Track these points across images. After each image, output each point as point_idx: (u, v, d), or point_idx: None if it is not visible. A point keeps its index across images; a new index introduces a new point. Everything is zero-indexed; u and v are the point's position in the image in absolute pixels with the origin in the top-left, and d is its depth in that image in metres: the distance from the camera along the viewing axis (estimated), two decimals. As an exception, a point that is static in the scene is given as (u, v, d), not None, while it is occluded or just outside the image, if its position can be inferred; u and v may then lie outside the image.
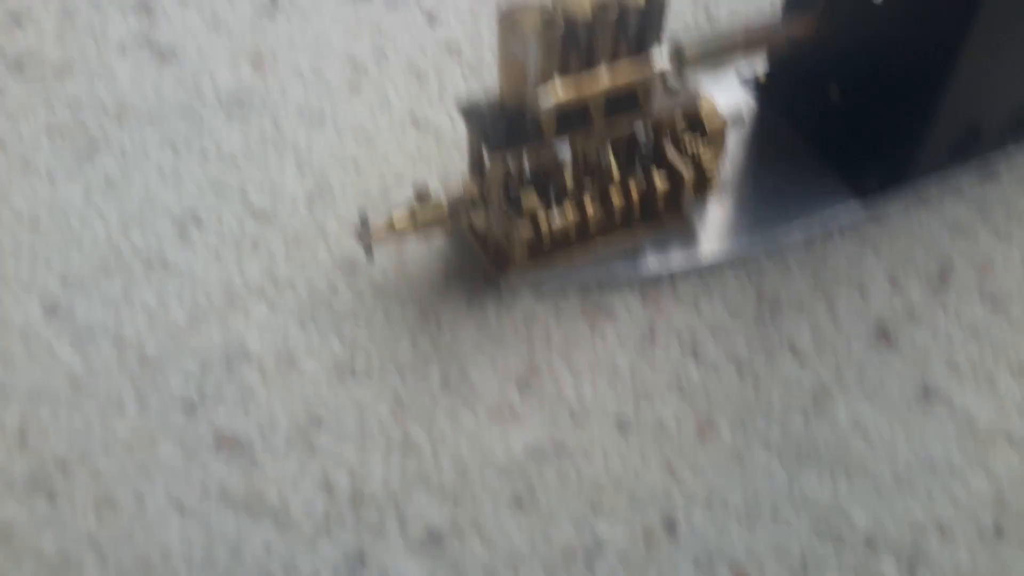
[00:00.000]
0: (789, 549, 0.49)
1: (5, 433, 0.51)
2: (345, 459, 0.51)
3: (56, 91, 0.67)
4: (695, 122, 0.59)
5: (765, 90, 0.68)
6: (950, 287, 0.60)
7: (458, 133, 0.65)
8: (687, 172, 0.58)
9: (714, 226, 0.61)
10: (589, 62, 0.52)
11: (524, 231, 0.55)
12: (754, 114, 0.68)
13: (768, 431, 0.53)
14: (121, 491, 0.50)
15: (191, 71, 0.69)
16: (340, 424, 0.52)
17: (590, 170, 0.57)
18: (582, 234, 0.58)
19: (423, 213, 0.56)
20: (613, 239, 0.59)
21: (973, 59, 0.56)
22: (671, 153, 0.58)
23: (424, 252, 0.59)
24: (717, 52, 0.56)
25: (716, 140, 0.59)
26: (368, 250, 0.55)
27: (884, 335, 0.57)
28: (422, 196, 0.55)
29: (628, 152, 0.58)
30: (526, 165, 0.56)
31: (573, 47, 0.51)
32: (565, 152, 0.56)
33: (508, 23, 0.51)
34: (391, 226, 0.55)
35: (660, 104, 0.56)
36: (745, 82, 0.69)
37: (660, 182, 0.58)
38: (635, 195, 0.58)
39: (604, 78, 0.53)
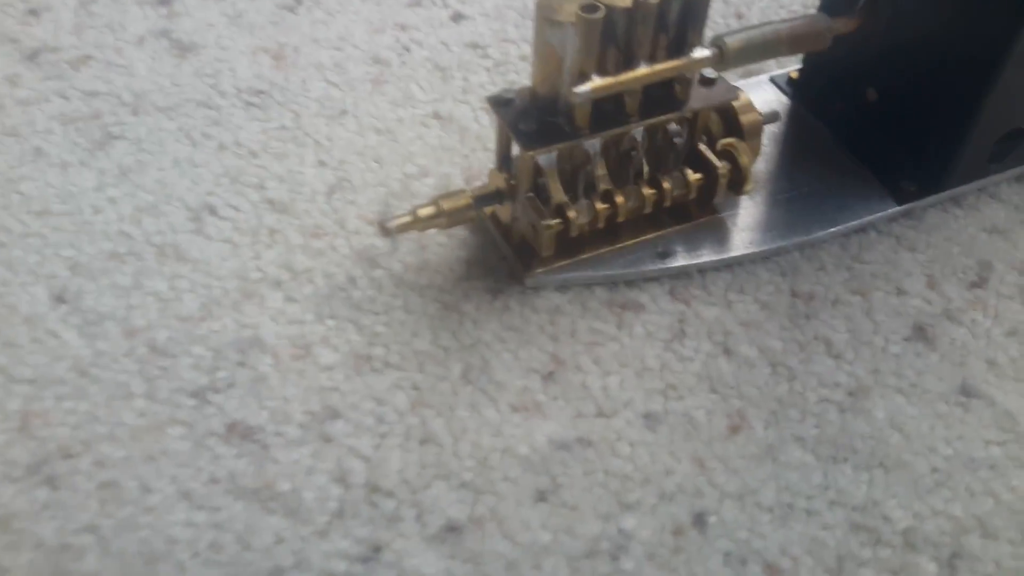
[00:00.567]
0: (824, 546, 0.47)
1: (6, 418, 0.49)
2: (361, 450, 0.49)
3: (72, 81, 0.66)
4: (731, 119, 0.57)
5: (801, 90, 0.66)
6: (989, 287, 0.57)
7: (483, 127, 0.64)
8: (722, 168, 0.56)
9: (746, 222, 0.59)
10: (627, 54, 0.50)
11: (551, 224, 0.53)
12: (790, 113, 0.66)
13: (802, 426, 0.51)
14: (126, 479, 0.48)
15: (210, 64, 0.68)
16: (356, 415, 0.50)
17: (621, 163, 0.56)
18: (610, 228, 0.56)
19: (448, 203, 0.54)
20: (643, 234, 0.57)
21: (1018, 64, 0.54)
22: (705, 149, 0.56)
23: (447, 245, 0.57)
24: (761, 47, 0.54)
25: (752, 137, 0.57)
26: (391, 236, 0.53)
27: (922, 333, 0.55)
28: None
29: (663, 146, 0.56)
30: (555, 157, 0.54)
31: (611, 39, 0.49)
32: (595, 143, 0.54)
33: (547, 9, 0.49)
34: (415, 215, 0.53)
35: (697, 100, 0.54)
36: (781, 82, 0.67)
37: (693, 177, 0.56)
38: (667, 190, 0.56)
39: (643, 69, 0.50)
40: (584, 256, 0.56)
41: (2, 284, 0.54)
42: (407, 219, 0.53)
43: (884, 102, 0.61)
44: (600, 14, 0.47)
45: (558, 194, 0.53)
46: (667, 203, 0.57)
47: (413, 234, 0.56)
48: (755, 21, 0.73)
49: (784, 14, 0.75)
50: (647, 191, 0.55)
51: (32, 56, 0.67)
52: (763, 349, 0.54)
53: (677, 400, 0.51)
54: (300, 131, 0.64)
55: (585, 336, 0.54)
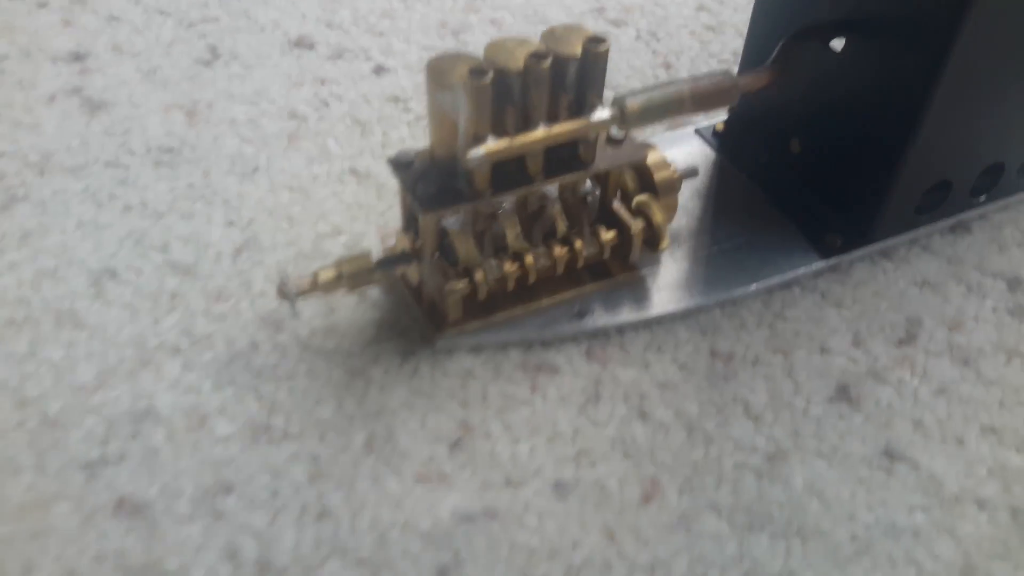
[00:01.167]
0: (737, 622, 0.45)
1: None
2: (253, 526, 0.47)
3: (-25, 142, 0.64)
4: (646, 176, 0.56)
5: (726, 142, 0.65)
6: (917, 344, 0.56)
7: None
8: (635, 226, 0.54)
9: (667, 280, 0.57)
10: (525, 116, 0.48)
11: (458, 286, 0.51)
12: (715, 165, 0.64)
13: (717, 493, 0.49)
14: (8, 558, 0.45)
15: (121, 122, 0.66)
16: (251, 489, 0.48)
17: (534, 222, 0.54)
18: (523, 288, 0.54)
19: (349, 267, 0.52)
20: (558, 294, 0.55)
21: (941, 113, 0.53)
22: (618, 207, 0.55)
23: (358, 307, 0.56)
24: (662, 107, 0.51)
25: (667, 194, 0.56)
26: (291, 302, 0.51)
27: (845, 393, 0.53)
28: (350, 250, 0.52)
29: (574, 204, 0.54)
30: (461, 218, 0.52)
31: (508, 100, 0.47)
32: (507, 201, 0.52)
33: (436, 73, 0.47)
34: (315, 279, 0.51)
35: (604, 159, 0.52)
36: (707, 134, 0.65)
37: (607, 236, 0.54)
38: (579, 249, 0.54)
39: (539, 133, 0.49)
40: (498, 317, 0.54)
41: None
42: (307, 284, 0.51)
43: (808, 154, 0.60)
44: (488, 78, 0.45)
45: (465, 256, 0.52)
46: (580, 263, 0.55)
47: (322, 295, 0.54)
48: (684, 72, 0.72)
49: (714, 63, 0.74)
50: (559, 251, 0.54)
51: (-64, 116, 0.66)
52: (679, 412, 0.52)
53: (589, 467, 0.49)
54: (209, 190, 0.62)
55: (496, 401, 0.52)
